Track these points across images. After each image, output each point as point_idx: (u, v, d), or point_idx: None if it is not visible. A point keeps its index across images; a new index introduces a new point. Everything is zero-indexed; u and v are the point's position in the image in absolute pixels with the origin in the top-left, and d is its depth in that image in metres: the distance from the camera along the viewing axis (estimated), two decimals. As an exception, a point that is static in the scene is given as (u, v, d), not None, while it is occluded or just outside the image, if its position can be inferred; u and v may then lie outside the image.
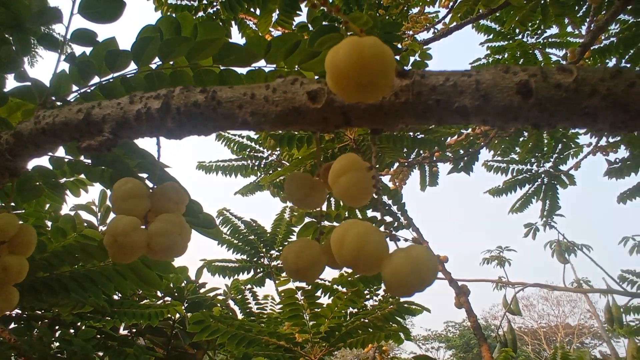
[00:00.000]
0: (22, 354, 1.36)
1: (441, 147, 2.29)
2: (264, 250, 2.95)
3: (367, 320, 1.85)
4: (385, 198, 1.81)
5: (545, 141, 2.92)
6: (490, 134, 2.30)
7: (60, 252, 1.00)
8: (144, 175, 0.92)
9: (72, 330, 1.65)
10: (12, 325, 1.59)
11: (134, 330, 2.40)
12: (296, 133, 2.15)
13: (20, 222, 0.56)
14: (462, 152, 2.71)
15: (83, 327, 1.48)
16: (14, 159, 0.52)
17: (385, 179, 2.96)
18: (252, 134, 3.06)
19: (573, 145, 3.14)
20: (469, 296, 1.67)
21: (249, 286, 2.89)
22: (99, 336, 1.64)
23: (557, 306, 15.37)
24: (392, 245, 0.32)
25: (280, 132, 2.19)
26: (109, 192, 0.78)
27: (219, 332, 1.74)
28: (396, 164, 2.72)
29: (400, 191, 1.81)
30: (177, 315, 2.59)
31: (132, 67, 0.80)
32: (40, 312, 1.63)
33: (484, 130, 2.36)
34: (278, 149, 2.98)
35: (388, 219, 1.82)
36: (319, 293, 1.98)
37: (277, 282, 2.74)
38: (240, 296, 2.84)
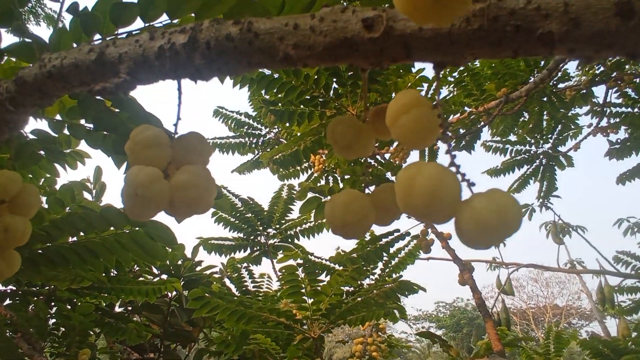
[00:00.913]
0: (18, 329, 1.32)
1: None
2: (261, 228, 2.91)
3: (367, 298, 1.83)
4: (389, 175, 1.78)
5: (545, 122, 2.89)
6: (493, 112, 2.26)
7: (59, 222, 0.95)
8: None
9: (68, 306, 1.62)
10: (7, 302, 1.55)
11: (129, 307, 2.37)
12: (295, 108, 2.10)
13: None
14: (461, 131, 2.68)
15: (79, 304, 1.44)
16: (16, 109, 0.47)
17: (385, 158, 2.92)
18: (249, 110, 3.00)
19: (573, 127, 3.12)
20: (472, 273, 1.65)
21: (245, 264, 2.86)
22: (95, 312, 1.60)
23: (546, 287, 15.61)
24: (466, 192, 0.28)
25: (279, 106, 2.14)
26: (108, 167, 0.74)
27: (219, 308, 1.71)
28: (396, 142, 2.68)
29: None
30: (174, 293, 2.56)
31: (138, 24, 0.75)
32: (36, 288, 1.59)
33: (486, 108, 2.32)
34: (277, 126, 2.93)
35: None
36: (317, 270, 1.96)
37: (276, 259, 2.71)
38: (236, 274, 2.82)
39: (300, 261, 1.79)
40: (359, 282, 1.95)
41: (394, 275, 2.16)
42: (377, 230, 1.90)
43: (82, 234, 1.00)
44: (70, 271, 1.18)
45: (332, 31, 0.31)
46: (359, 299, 1.75)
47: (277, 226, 2.94)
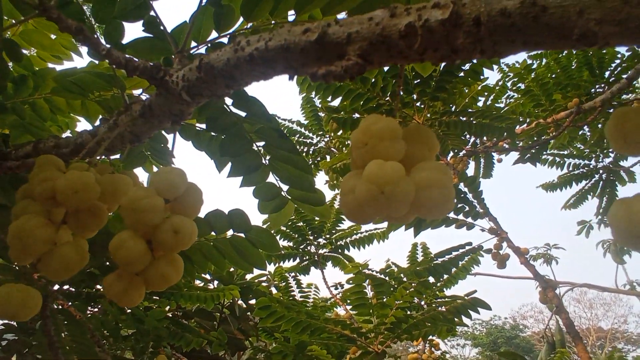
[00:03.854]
0: (92, 331, 1.30)
1: (511, 135, 2.17)
2: (311, 237, 2.87)
3: (436, 313, 1.76)
4: (461, 185, 1.71)
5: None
6: (563, 123, 2.17)
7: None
8: (261, 144, 0.84)
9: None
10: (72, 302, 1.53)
11: (179, 312, 2.35)
12: (360, 116, 2.06)
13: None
14: (519, 143, 2.58)
15: (154, 307, 1.42)
16: (191, 100, 0.44)
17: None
18: (302, 118, 2.97)
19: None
20: (556, 290, 1.56)
21: (293, 274, 2.82)
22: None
23: (589, 309, 14.96)
24: None
25: (342, 114, 2.09)
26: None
27: (285, 318, 1.66)
28: (451, 153, 2.60)
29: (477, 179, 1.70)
30: (225, 301, 2.54)
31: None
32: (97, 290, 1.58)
33: (555, 119, 2.22)
34: (328, 134, 2.89)
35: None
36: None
37: (344, 268, 2.66)
38: (283, 283, 2.78)
39: (367, 271, 1.73)
40: (423, 297, 1.88)
41: (445, 291, 2.09)
42: (447, 243, 1.83)
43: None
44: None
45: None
46: (429, 313, 1.68)
47: (328, 236, 2.89)
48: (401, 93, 1.98)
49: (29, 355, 2.10)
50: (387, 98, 1.97)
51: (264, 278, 2.93)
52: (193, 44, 0.73)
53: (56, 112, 1.06)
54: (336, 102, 2.08)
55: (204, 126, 0.81)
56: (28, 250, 0.40)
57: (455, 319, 1.74)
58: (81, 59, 1.11)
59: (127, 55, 0.46)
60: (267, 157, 0.83)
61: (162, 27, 0.65)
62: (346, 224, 2.91)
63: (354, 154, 0.34)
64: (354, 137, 0.34)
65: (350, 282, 1.70)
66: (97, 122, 1.01)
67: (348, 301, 2.65)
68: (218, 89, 0.42)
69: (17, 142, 1.02)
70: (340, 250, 2.93)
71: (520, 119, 2.21)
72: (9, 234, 0.41)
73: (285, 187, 0.88)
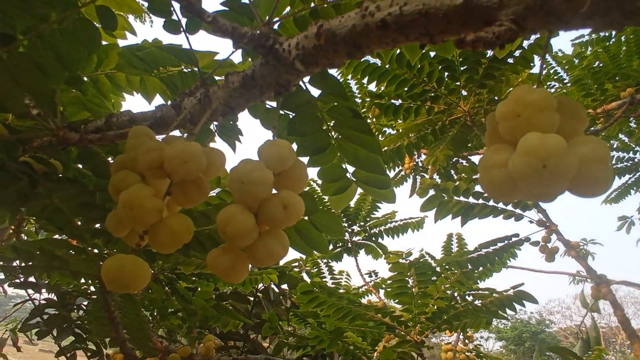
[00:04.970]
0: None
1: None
2: (345, 225, 2.86)
3: (478, 305, 1.73)
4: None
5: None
6: (614, 114, 2.09)
7: (219, 205, 0.91)
8: (331, 123, 0.82)
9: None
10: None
11: (215, 294, 2.37)
12: (403, 102, 2.02)
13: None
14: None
15: (199, 288, 1.43)
16: (305, 69, 0.42)
17: (476, 159, 2.79)
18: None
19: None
20: (610, 286, 1.51)
21: (325, 260, 2.82)
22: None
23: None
24: None
25: (385, 100, 2.06)
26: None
27: (326, 304, 1.66)
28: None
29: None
30: (260, 285, 2.55)
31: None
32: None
33: (605, 109, 2.14)
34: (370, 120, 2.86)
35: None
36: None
37: (377, 256, 2.65)
38: (315, 269, 2.78)
39: (411, 259, 1.70)
40: (464, 287, 1.85)
41: (478, 283, 2.05)
42: (493, 233, 1.79)
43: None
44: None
45: None
46: (473, 304, 1.65)
47: (362, 223, 2.87)
48: (446, 79, 1.93)
49: (68, 329, 2.15)
50: (433, 84, 1.92)
51: (296, 264, 2.94)
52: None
53: (116, 88, 1.06)
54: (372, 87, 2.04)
55: (274, 104, 0.79)
56: (139, 221, 0.39)
57: (499, 312, 1.71)
58: (135, 38, 1.10)
59: (233, 23, 0.44)
60: (336, 137, 0.81)
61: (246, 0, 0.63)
62: (381, 212, 2.89)
63: (501, 126, 0.32)
64: (504, 109, 0.32)
65: (393, 270, 1.68)
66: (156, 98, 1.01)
67: (383, 288, 2.64)
68: (337, 57, 0.40)
69: (74, 119, 1.02)
70: (373, 239, 2.91)
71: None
72: (119, 203, 0.40)
73: (351, 169, 0.86)
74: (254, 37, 0.43)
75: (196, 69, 0.80)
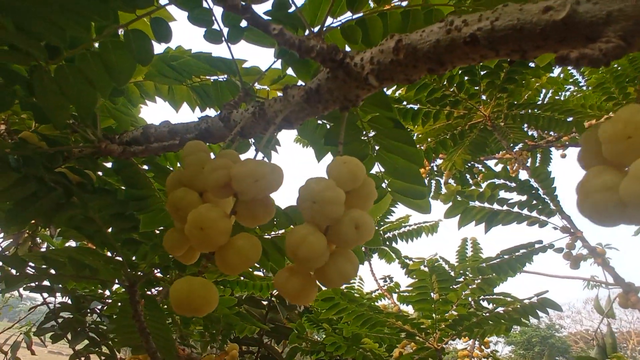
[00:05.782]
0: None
1: (580, 129, 2.08)
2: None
3: (501, 312, 1.70)
4: (532, 181, 1.64)
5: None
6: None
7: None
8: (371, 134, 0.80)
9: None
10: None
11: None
12: (422, 107, 2.00)
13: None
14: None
15: (223, 295, 1.41)
16: (380, 84, 0.40)
17: (491, 163, 2.77)
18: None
19: None
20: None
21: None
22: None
23: (631, 311, 14.53)
24: None
25: (404, 105, 2.04)
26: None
27: (347, 310, 1.64)
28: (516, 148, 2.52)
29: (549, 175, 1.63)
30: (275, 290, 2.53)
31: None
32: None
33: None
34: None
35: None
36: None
37: (390, 261, 2.63)
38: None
39: (430, 268, 1.68)
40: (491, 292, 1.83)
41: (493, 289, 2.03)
42: (516, 240, 1.77)
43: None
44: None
45: None
46: (498, 310, 1.63)
47: (376, 228, 2.85)
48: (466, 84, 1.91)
49: (83, 333, 2.14)
50: (453, 89, 1.91)
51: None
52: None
53: (145, 97, 1.05)
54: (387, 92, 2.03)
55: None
56: (209, 242, 0.38)
57: (522, 319, 1.68)
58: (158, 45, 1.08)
59: (300, 37, 0.43)
60: (376, 147, 0.79)
61: (294, 8, 0.62)
62: (395, 216, 2.87)
63: (608, 147, 0.31)
64: (610, 129, 0.30)
65: (414, 276, 1.66)
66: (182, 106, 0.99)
67: (396, 292, 2.62)
68: (416, 73, 0.38)
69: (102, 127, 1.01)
70: (387, 243, 2.89)
71: (590, 113, 2.11)
72: (188, 223, 0.38)
73: (387, 179, 0.84)
74: (322, 51, 0.41)
75: (235, 79, 0.79)
